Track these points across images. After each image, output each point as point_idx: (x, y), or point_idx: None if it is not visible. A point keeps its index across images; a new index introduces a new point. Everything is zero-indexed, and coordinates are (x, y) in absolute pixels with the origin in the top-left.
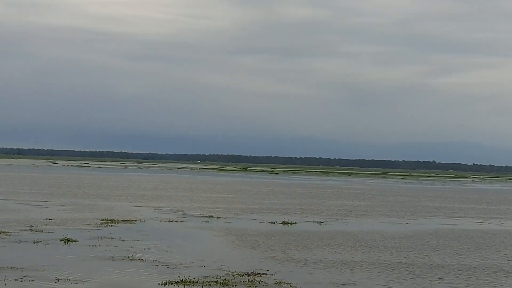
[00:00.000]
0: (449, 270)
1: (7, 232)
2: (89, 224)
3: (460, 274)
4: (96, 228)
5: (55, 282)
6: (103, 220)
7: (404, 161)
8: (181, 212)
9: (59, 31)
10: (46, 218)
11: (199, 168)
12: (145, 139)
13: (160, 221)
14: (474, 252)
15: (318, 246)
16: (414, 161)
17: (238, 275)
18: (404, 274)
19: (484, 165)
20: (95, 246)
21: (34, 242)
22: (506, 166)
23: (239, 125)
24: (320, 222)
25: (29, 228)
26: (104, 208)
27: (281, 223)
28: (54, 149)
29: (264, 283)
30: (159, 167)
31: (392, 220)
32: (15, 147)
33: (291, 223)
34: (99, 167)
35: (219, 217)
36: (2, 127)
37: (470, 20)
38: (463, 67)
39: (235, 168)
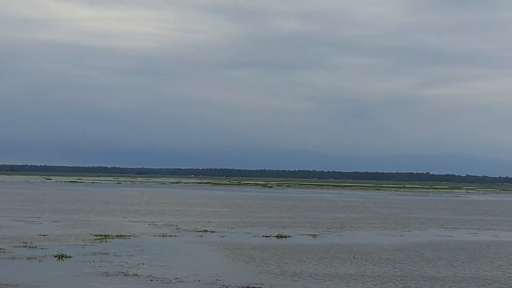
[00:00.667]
0: (444, 282)
1: (1, 248)
2: (83, 240)
3: (454, 286)
4: (90, 244)
5: None
6: (97, 235)
7: (397, 173)
8: (175, 227)
9: (50, 47)
10: (40, 234)
11: (193, 182)
12: (138, 154)
13: (154, 236)
14: (469, 263)
15: (313, 259)
16: (407, 173)
17: None
18: (399, 287)
19: (477, 176)
20: (89, 261)
21: (28, 258)
22: (500, 177)
23: (232, 139)
24: (314, 235)
25: (22, 244)
26: (98, 223)
27: (276, 236)
28: (47, 165)
29: None
30: (152, 182)
31: (387, 232)
32: (8, 164)
33: (285, 237)
34: (93, 182)
35: (213, 231)
36: None
37: (461, 31)
38: (455, 78)
39: (228, 182)
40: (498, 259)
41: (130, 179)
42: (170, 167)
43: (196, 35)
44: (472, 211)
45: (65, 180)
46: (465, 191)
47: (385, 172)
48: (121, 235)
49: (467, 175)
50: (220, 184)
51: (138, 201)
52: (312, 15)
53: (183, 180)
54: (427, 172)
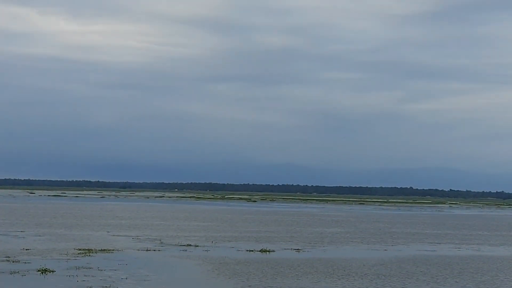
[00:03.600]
0: None
1: None
2: (67, 254)
3: None
4: (74, 258)
5: None
6: (80, 250)
7: (381, 187)
8: (159, 241)
9: (34, 60)
10: (23, 249)
11: (177, 196)
12: (122, 168)
13: (138, 250)
14: (452, 278)
15: (297, 274)
16: (391, 188)
17: None
18: None
19: (461, 191)
20: (73, 276)
21: (11, 273)
22: (483, 191)
23: (216, 153)
24: (298, 250)
25: (5, 258)
26: (81, 237)
27: (260, 251)
28: (31, 179)
29: None
30: (136, 195)
31: (370, 247)
32: None
33: (269, 251)
34: (76, 196)
35: (197, 246)
36: None
37: (445, 46)
38: (438, 93)
39: (212, 196)
40: (481, 274)
41: (113, 193)
42: (154, 181)
43: (181, 49)
44: (456, 226)
45: (49, 194)
46: (448, 205)
47: (368, 186)
48: (104, 250)
49: (450, 189)
50: (204, 198)
51: (121, 215)
52: (296, 29)
53: (167, 194)
54: (411, 187)
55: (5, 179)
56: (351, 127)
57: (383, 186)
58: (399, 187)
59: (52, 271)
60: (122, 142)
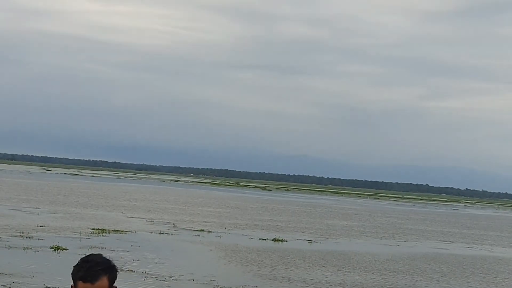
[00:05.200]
0: None
1: None
2: (80, 233)
3: None
4: (87, 237)
5: None
6: (94, 229)
7: (397, 183)
8: (172, 225)
9: (56, 38)
10: (37, 225)
11: (192, 181)
12: (139, 150)
13: (151, 232)
14: (462, 277)
15: (308, 265)
16: (407, 184)
17: None
18: None
19: (476, 191)
20: (85, 255)
21: (24, 248)
22: (499, 192)
23: (233, 140)
24: (310, 241)
25: (19, 234)
26: (95, 217)
27: (272, 240)
28: (48, 156)
29: None
30: (152, 178)
31: (383, 242)
32: (9, 153)
33: (281, 240)
34: (92, 176)
35: (210, 231)
36: None
37: (467, 45)
38: (459, 91)
39: (228, 183)
40: (493, 275)
41: (130, 174)
42: (170, 165)
43: (204, 35)
44: (470, 225)
45: (65, 172)
46: (463, 204)
47: (384, 181)
48: (118, 230)
49: (466, 188)
50: (219, 185)
51: (136, 197)
52: (320, 21)
53: (183, 178)
54: (427, 184)
55: (23, 155)
56: (370, 121)
57: (399, 182)
58: (415, 183)
59: (65, 249)
60: (141, 125)
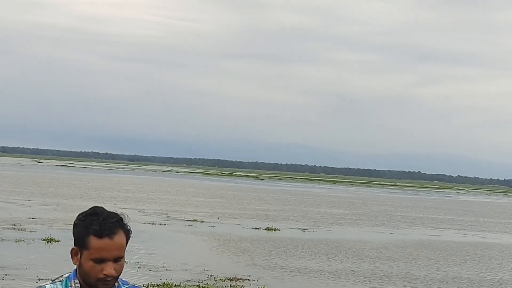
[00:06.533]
0: (427, 282)
1: None
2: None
3: (438, 286)
4: None
5: (37, 281)
6: None
7: (389, 170)
8: (165, 215)
9: (46, 29)
10: (29, 217)
11: (184, 171)
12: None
13: (144, 223)
14: (455, 264)
15: (301, 254)
16: (399, 171)
17: (221, 279)
18: (385, 283)
19: (468, 177)
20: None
21: (16, 241)
22: (491, 178)
23: (225, 129)
24: (304, 229)
25: (11, 226)
26: (87, 208)
27: (265, 229)
28: (40, 148)
29: None
30: (144, 169)
31: (376, 230)
32: (0, 145)
33: (275, 229)
34: (84, 167)
35: (203, 221)
36: None
37: (458, 31)
38: (451, 78)
39: (220, 173)
40: (486, 261)
41: (121, 165)
42: (162, 155)
43: (194, 24)
44: (462, 212)
45: (57, 164)
46: (455, 191)
47: (376, 169)
48: None
49: (458, 175)
50: (211, 175)
51: (128, 188)
52: (311, 9)
53: (175, 168)
54: (419, 171)
55: (14, 147)
56: (361, 108)
57: (391, 169)
58: (407, 171)
59: (57, 241)
60: (132, 115)
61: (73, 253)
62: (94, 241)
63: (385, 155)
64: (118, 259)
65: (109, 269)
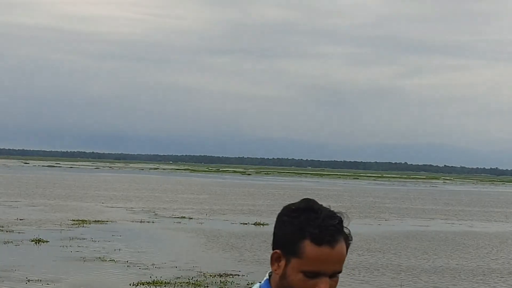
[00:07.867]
0: (418, 272)
1: None
2: (60, 225)
3: (429, 276)
4: (67, 229)
5: (26, 283)
6: (74, 220)
7: (376, 162)
8: (153, 213)
9: (28, 30)
10: (17, 219)
11: (171, 168)
12: (116, 139)
13: (132, 221)
14: (445, 254)
15: None
16: (386, 163)
17: (210, 276)
18: (375, 276)
19: (455, 167)
20: (66, 246)
21: (5, 242)
22: (477, 167)
23: (211, 126)
24: None
25: None
26: (75, 208)
27: (253, 224)
28: (25, 149)
29: (236, 284)
30: (131, 167)
31: (364, 221)
32: None
33: (263, 224)
34: (71, 167)
35: (191, 218)
36: None
37: (440, 22)
38: (435, 69)
39: (207, 169)
40: (474, 250)
41: (108, 164)
42: (149, 153)
43: (177, 21)
44: (449, 202)
45: (43, 164)
46: (442, 181)
47: (363, 161)
48: (98, 221)
49: (444, 165)
50: (198, 171)
51: (116, 187)
52: (293, 3)
53: (162, 166)
54: (405, 162)
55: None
56: (346, 101)
57: (378, 161)
58: (393, 162)
59: (46, 241)
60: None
61: (274, 258)
62: (310, 249)
63: (371, 147)
64: (334, 274)
65: (324, 286)
